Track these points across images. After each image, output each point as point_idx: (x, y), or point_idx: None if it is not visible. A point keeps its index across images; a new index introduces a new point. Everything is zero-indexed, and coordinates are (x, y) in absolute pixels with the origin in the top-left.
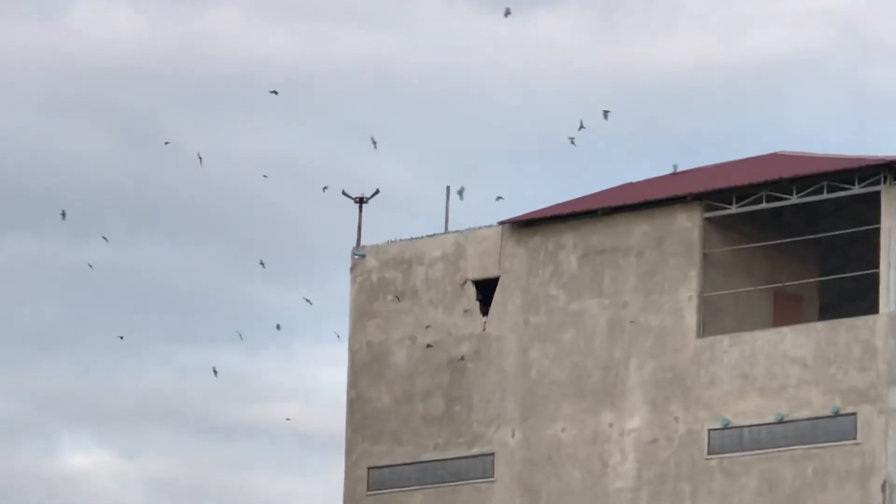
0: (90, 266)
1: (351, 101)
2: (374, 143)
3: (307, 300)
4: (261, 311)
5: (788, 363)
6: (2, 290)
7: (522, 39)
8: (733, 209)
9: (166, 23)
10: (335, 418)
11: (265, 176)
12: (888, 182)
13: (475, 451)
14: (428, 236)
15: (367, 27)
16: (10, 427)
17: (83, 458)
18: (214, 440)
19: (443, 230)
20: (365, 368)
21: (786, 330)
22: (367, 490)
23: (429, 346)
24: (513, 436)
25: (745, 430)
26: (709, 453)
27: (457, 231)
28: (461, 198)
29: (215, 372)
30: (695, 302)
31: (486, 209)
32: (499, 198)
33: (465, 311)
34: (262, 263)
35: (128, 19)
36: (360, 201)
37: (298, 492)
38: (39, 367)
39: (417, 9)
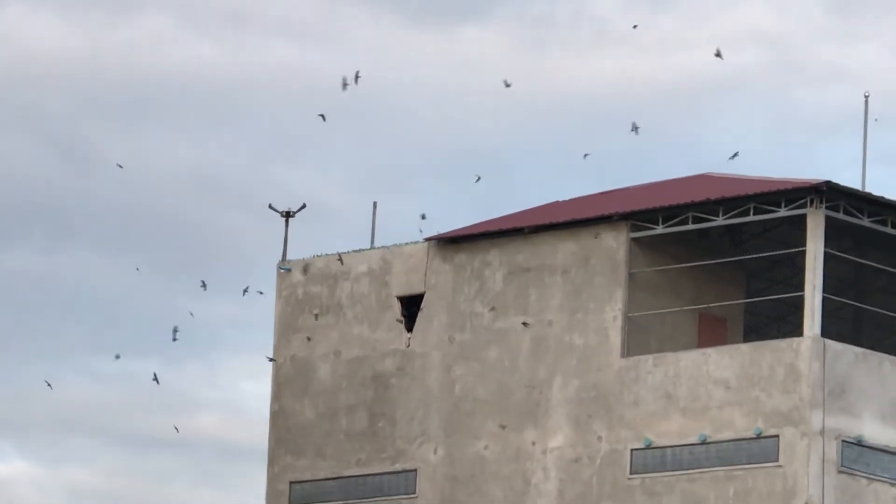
0: None
1: (276, 113)
2: (323, 117)
3: (260, 292)
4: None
5: (712, 384)
6: None
7: (448, 54)
8: (660, 229)
9: (92, 30)
10: (258, 431)
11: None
12: (814, 205)
13: (398, 467)
14: (354, 251)
15: (293, 38)
16: None
17: (3, 466)
18: (135, 451)
19: (369, 245)
20: (289, 382)
21: (710, 351)
22: None
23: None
24: (435, 452)
25: (668, 450)
26: (631, 473)
27: (383, 247)
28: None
29: (156, 379)
30: (620, 321)
31: (412, 225)
32: (423, 216)
33: (398, 321)
34: (203, 284)
35: (54, 26)
36: (287, 215)
37: None
38: None
39: (343, 21)
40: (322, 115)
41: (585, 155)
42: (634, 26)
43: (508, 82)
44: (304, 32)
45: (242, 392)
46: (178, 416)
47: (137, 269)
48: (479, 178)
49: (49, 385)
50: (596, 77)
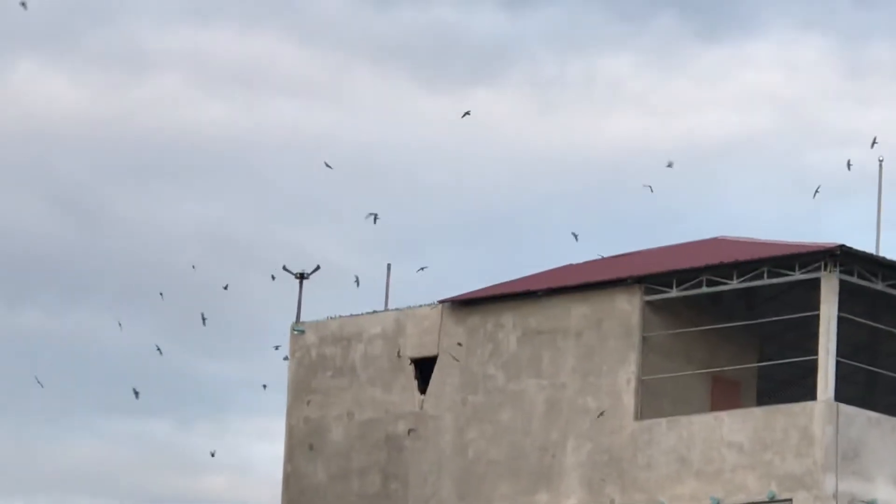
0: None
1: (289, 174)
2: (328, 165)
3: (264, 386)
4: (196, 383)
5: (725, 448)
6: None
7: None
8: (673, 293)
9: (105, 91)
10: (269, 493)
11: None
12: (828, 269)
13: None
14: (368, 313)
15: (305, 100)
16: None
17: None
18: None
19: (383, 307)
20: (301, 444)
21: (723, 414)
22: None
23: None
24: None
25: None
26: None
27: (396, 309)
28: (374, 222)
29: (204, 321)
30: (633, 385)
31: (426, 287)
32: (422, 268)
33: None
34: (135, 393)
35: (66, 86)
36: (301, 277)
37: None
38: None
39: (355, 83)
40: (327, 164)
41: (669, 164)
42: (669, 164)
43: (467, 112)
44: (315, 93)
45: (253, 453)
46: (187, 476)
47: (119, 323)
48: (375, 217)
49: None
50: (608, 139)
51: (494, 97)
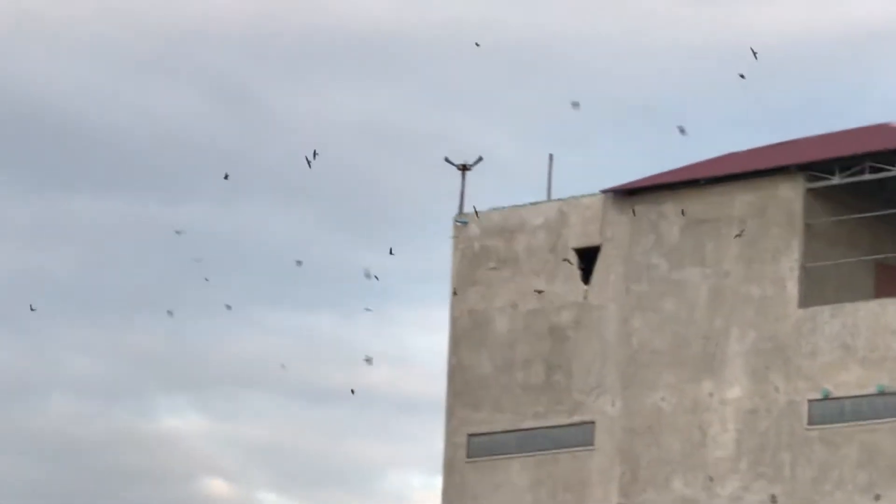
0: (177, 233)
1: (451, 66)
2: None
3: (390, 251)
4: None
5: (890, 335)
6: (99, 253)
7: (623, 6)
8: (836, 180)
9: None
10: (431, 385)
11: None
12: None
13: (575, 419)
14: (530, 204)
15: None
16: (106, 388)
17: (179, 420)
18: (310, 405)
19: (545, 198)
20: (466, 336)
21: (888, 301)
22: (467, 457)
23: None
24: (613, 405)
25: (846, 401)
26: (809, 424)
27: (559, 199)
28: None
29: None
30: (796, 272)
31: (588, 177)
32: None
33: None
34: (390, 251)
35: None
36: (463, 168)
37: (395, 457)
38: (135, 330)
39: None
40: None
41: (682, 130)
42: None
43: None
44: None
45: (417, 345)
46: (353, 369)
47: (177, 231)
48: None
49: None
50: (769, 27)
51: None
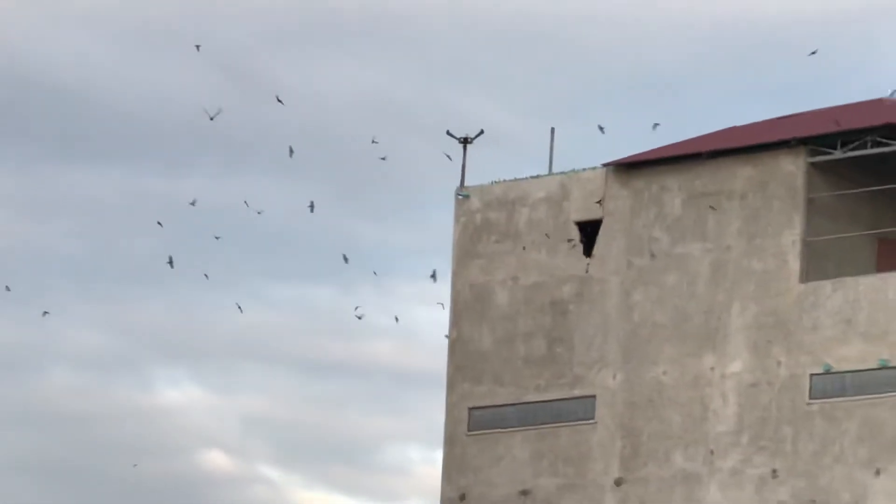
0: (192, 204)
1: (451, 39)
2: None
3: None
4: (360, 249)
5: (891, 309)
6: (99, 224)
7: None
8: (838, 154)
9: None
10: (432, 358)
11: None
12: None
13: (576, 392)
14: (532, 177)
15: None
16: (105, 360)
17: (178, 393)
18: (310, 377)
19: (546, 171)
20: (467, 309)
21: (889, 276)
22: (468, 430)
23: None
24: (614, 378)
25: (848, 375)
26: (811, 398)
27: (561, 173)
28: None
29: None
30: (798, 247)
31: (589, 150)
32: (656, 125)
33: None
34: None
35: None
36: (465, 141)
37: (396, 430)
38: (134, 302)
39: None
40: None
41: (655, 125)
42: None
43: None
44: None
45: (417, 318)
46: (353, 341)
47: (246, 203)
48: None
49: (239, 309)
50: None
51: None
